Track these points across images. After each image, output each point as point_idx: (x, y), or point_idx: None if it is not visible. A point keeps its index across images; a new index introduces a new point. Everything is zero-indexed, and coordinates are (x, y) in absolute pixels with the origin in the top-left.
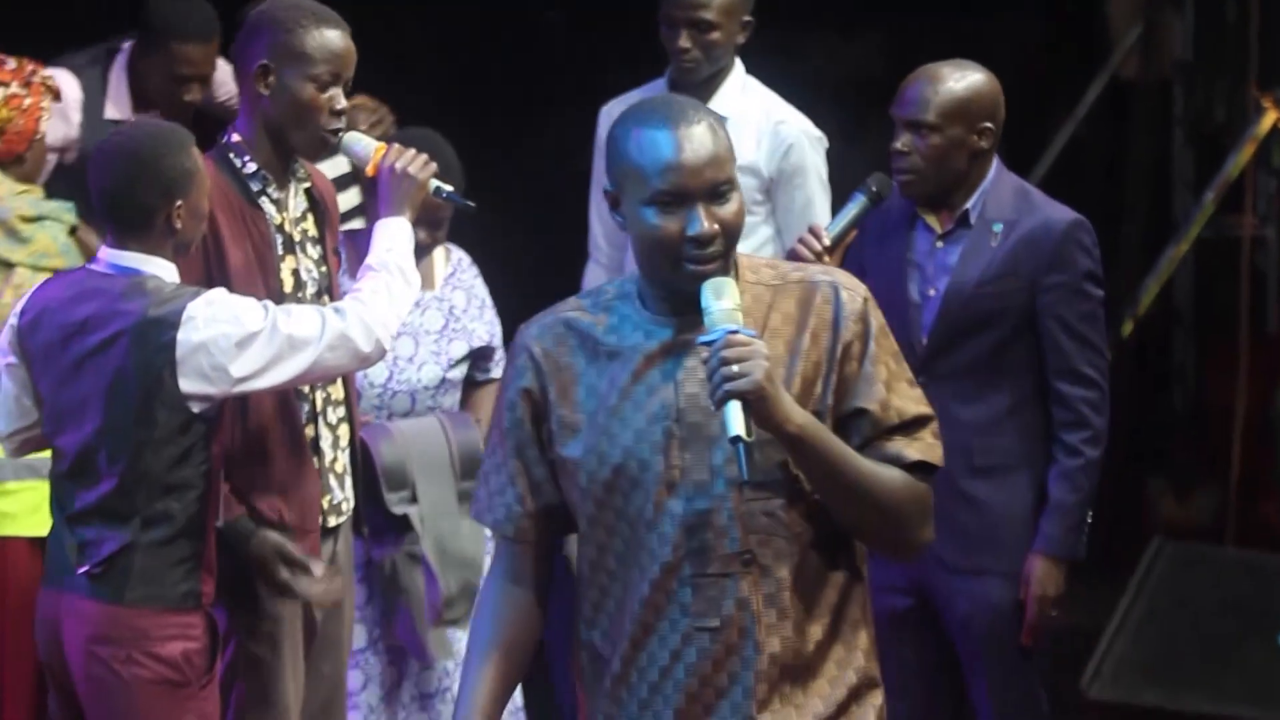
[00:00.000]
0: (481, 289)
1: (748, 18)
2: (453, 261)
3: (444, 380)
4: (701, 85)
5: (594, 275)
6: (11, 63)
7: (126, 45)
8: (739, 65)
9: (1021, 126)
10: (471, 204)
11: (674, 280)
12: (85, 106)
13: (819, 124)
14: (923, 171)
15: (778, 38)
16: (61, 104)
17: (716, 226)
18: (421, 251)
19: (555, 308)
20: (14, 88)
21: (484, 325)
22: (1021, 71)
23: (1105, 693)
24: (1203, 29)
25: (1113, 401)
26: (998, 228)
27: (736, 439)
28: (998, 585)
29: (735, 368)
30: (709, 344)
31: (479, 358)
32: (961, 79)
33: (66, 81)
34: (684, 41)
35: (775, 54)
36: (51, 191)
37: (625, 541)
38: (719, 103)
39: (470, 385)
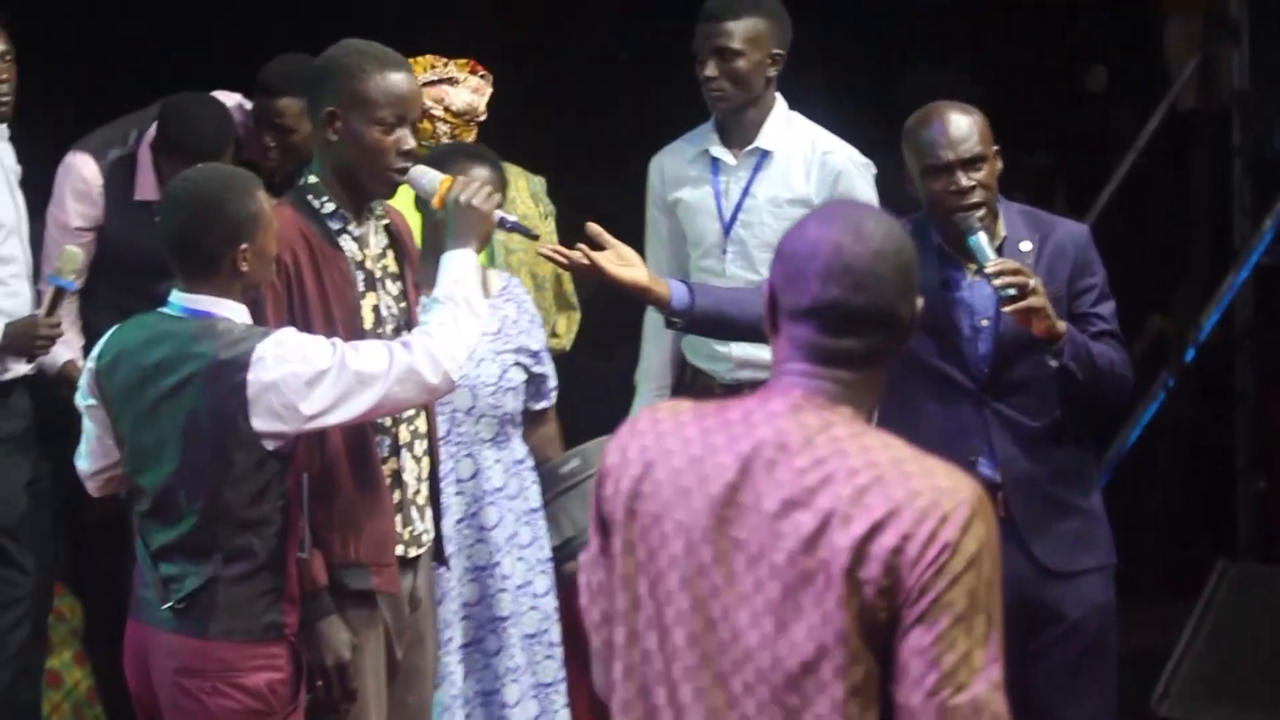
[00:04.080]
0: (532, 306)
1: (778, 50)
2: (505, 278)
3: (501, 379)
4: (746, 123)
5: (653, 321)
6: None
7: (151, 130)
8: (781, 101)
9: (1084, 158)
10: (535, 234)
11: None
12: (113, 189)
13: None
14: (989, 203)
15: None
16: (86, 188)
17: None
18: None
19: None
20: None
21: (534, 338)
22: (1084, 105)
23: (1174, 712)
24: (1259, 59)
25: (1175, 426)
26: (1026, 246)
27: None
28: (1099, 582)
29: None
30: None
31: (533, 381)
32: (969, 110)
33: (88, 166)
34: (710, 70)
35: (837, 92)
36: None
37: None
38: (764, 139)
39: (528, 418)
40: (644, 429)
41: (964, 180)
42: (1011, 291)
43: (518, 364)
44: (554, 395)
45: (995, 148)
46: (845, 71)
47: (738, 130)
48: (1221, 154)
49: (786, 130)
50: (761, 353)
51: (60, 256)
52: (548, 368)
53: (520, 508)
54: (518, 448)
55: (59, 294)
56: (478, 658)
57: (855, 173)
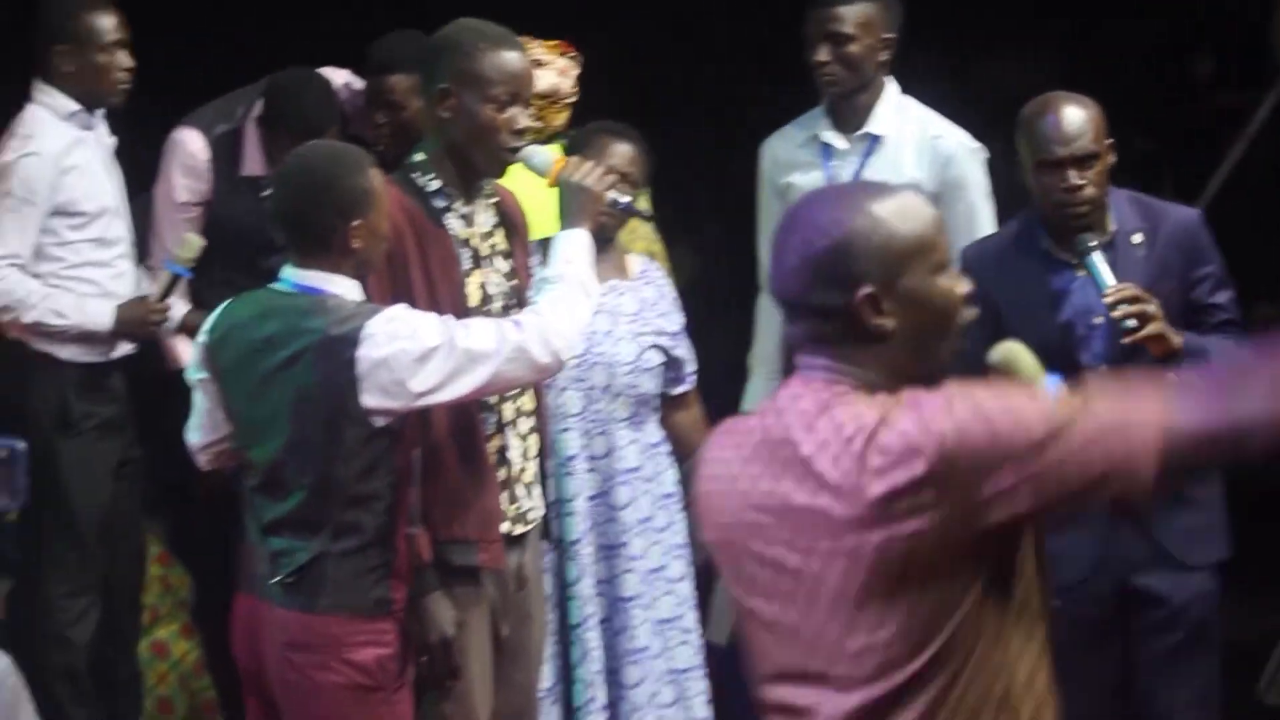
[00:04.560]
0: (671, 291)
1: (889, 34)
2: (644, 261)
3: (638, 359)
4: (857, 107)
5: (767, 307)
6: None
7: (257, 105)
8: (893, 85)
9: (1191, 144)
10: (650, 215)
11: None
12: (220, 165)
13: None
14: (1099, 200)
15: (949, 59)
16: (194, 162)
17: None
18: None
19: None
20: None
21: (672, 322)
22: (1190, 90)
23: None
24: None
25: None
26: (1136, 238)
27: None
28: (1208, 575)
29: None
30: None
31: (671, 366)
32: (1085, 103)
33: (195, 141)
34: (822, 55)
35: (946, 73)
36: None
37: None
38: (875, 123)
39: (668, 402)
40: (703, 457)
41: (1074, 179)
42: (1132, 323)
43: (656, 346)
44: (694, 379)
45: (1109, 141)
46: (946, 53)
47: (849, 115)
48: None
49: (897, 115)
50: None
51: (182, 244)
52: (686, 352)
53: (656, 491)
54: (653, 431)
55: (175, 280)
56: (607, 635)
57: (966, 158)
